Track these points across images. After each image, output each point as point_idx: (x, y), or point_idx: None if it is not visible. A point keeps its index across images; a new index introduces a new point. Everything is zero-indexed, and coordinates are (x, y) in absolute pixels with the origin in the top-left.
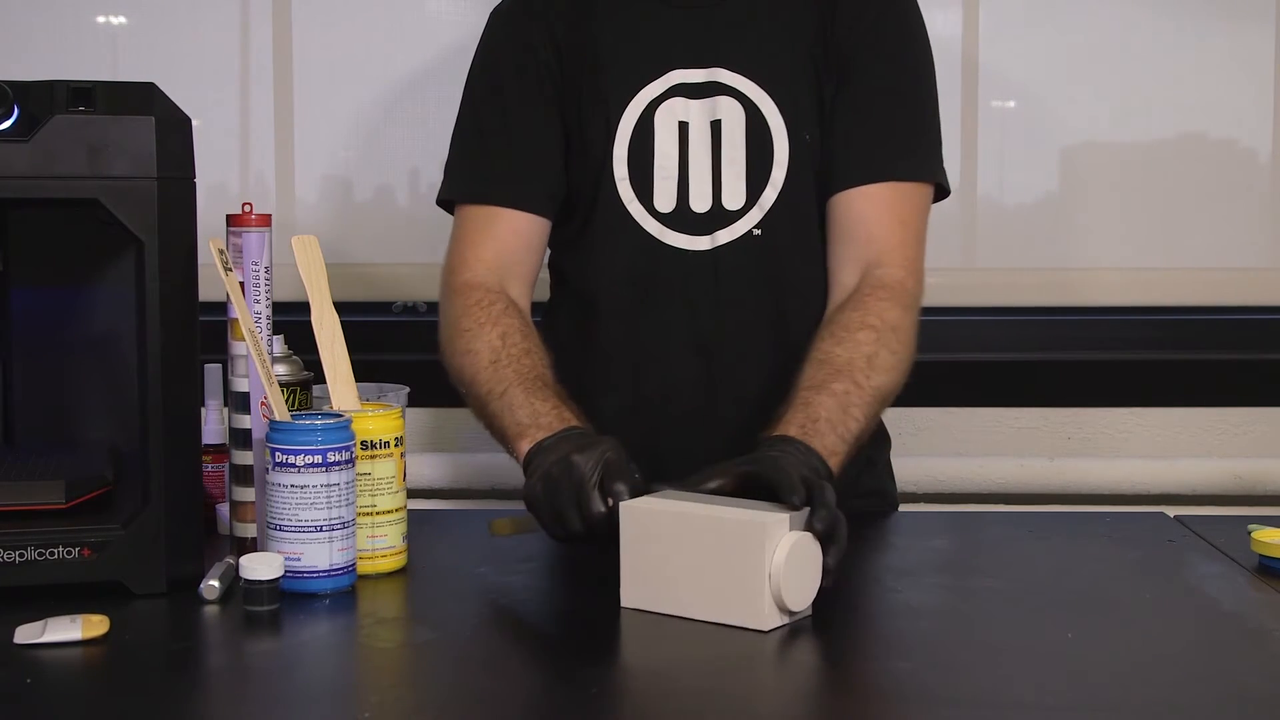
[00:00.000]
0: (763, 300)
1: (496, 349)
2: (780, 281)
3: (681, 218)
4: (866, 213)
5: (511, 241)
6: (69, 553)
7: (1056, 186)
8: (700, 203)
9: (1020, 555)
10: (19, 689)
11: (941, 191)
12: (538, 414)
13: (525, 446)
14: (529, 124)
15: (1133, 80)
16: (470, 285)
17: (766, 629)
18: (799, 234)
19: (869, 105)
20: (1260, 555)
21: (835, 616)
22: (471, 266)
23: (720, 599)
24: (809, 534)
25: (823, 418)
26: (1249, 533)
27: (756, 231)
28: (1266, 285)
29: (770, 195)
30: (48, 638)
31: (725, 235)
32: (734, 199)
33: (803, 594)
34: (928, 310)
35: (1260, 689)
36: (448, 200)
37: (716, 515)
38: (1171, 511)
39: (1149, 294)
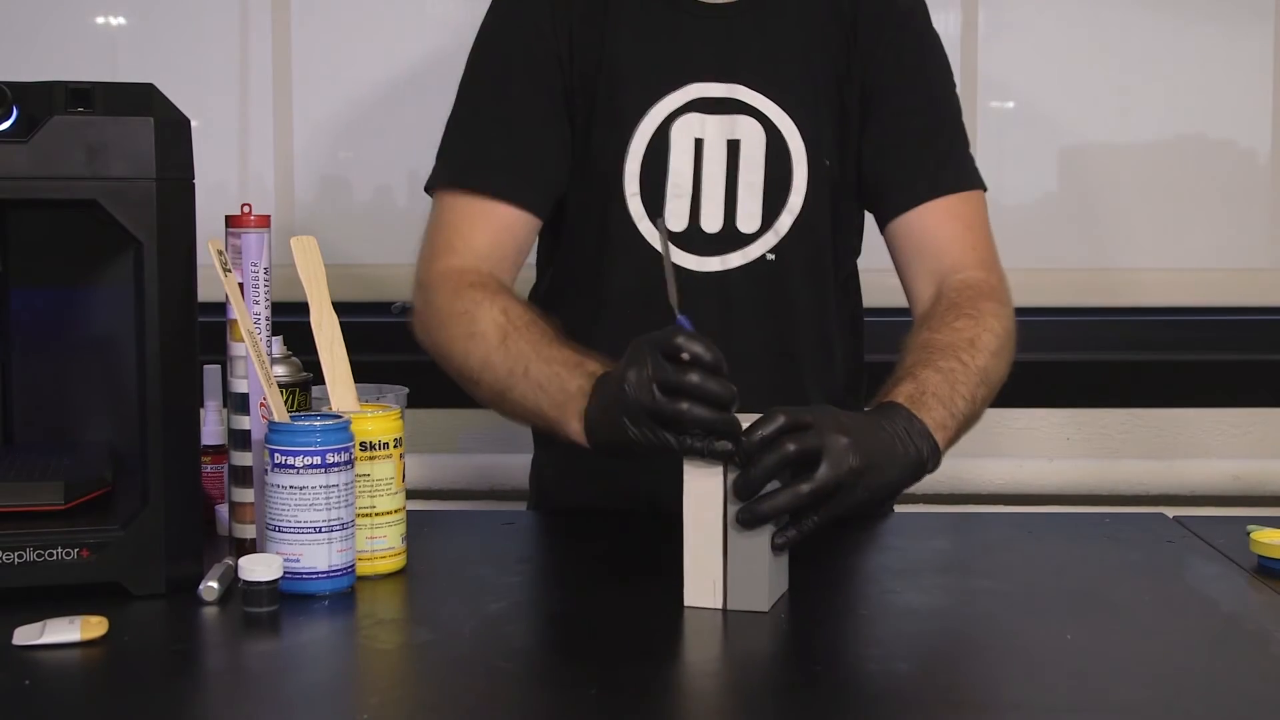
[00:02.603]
0: (769, 324)
1: (503, 325)
2: (788, 307)
3: (692, 237)
4: (930, 228)
5: (503, 235)
6: (68, 554)
7: (1056, 187)
8: (712, 223)
9: (1020, 556)
10: (18, 690)
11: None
12: (565, 385)
13: (577, 425)
14: (533, 115)
15: (1133, 80)
16: (460, 270)
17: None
18: (811, 260)
19: (909, 125)
20: (1259, 556)
21: (835, 617)
22: (461, 254)
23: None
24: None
25: (930, 391)
26: (1248, 533)
27: (770, 256)
28: (1267, 285)
29: (786, 220)
30: (46, 639)
31: (737, 258)
32: (749, 222)
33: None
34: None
35: (1259, 690)
36: (434, 186)
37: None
38: (1171, 512)
39: (1149, 294)
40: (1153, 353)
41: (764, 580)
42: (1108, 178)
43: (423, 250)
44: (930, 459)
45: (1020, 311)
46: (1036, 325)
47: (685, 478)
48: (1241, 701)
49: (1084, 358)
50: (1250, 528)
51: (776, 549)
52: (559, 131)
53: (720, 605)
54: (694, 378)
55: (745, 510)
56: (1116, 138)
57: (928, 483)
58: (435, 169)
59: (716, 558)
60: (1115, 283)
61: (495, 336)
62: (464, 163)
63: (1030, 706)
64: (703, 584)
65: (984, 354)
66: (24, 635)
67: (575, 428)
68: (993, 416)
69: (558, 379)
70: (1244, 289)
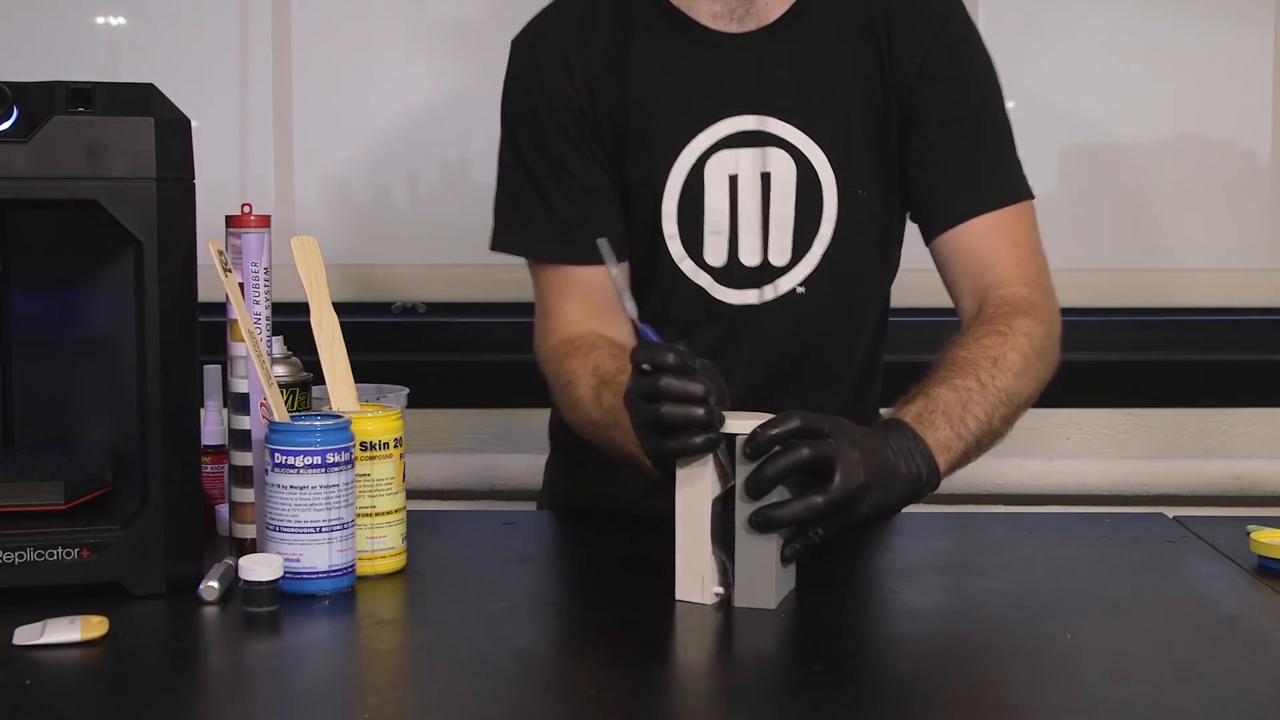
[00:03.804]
0: (800, 353)
1: (595, 386)
2: (819, 337)
3: (732, 272)
4: (974, 245)
5: (593, 294)
6: (68, 554)
7: (1056, 186)
8: (750, 256)
9: (1020, 556)
10: (18, 690)
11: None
12: None
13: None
14: (582, 173)
15: (1133, 80)
16: (558, 343)
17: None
18: (842, 293)
19: (950, 139)
20: (1259, 556)
21: (835, 617)
22: (556, 328)
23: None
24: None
25: (940, 410)
26: (1248, 533)
27: (800, 290)
28: (1266, 285)
29: (816, 253)
30: (47, 639)
31: (770, 291)
32: (780, 255)
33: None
34: (925, 311)
35: (1259, 689)
36: (508, 251)
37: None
38: (1171, 512)
39: (1148, 294)
40: (1152, 353)
41: (771, 578)
42: (1107, 178)
43: (535, 326)
44: (929, 480)
45: None
46: None
47: (676, 474)
48: (1241, 701)
49: (1083, 358)
50: (1250, 528)
51: (785, 561)
52: (606, 179)
53: (709, 601)
54: (664, 381)
55: (759, 515)
56: (1117, 137)
57: None
58: (500, 232)
59: (706, 553)
60: (1114, 283)
61: (590, 399)
62: (533, 236)
63: (1030, 706)
64: (692, 580)
65: (1006, 373)
66: (24, 635)
67: (648, 463)
68: None
69: None
70: (1244, 289)
